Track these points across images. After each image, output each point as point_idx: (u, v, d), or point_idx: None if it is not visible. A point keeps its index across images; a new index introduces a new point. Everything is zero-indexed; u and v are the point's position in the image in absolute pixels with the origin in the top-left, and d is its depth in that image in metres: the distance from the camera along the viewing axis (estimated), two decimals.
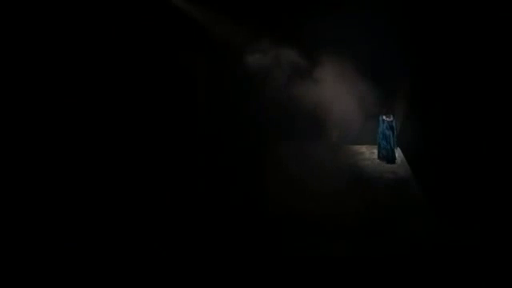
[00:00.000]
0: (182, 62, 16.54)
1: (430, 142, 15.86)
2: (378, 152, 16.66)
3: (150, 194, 14.28)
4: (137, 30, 15.99)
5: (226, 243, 12.92)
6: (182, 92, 16.52)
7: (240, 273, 12.25)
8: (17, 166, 14.15)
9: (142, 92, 16.21)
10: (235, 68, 16.28)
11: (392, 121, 16.57)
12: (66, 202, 13.76)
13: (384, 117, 16.57)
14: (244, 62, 16.29)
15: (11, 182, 13.76)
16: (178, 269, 12.36)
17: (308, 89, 16.60)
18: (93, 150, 14.95)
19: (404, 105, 16.89)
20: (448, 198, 14.42)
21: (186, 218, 13.69)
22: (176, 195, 14.31)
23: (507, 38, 15.35)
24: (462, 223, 13.70)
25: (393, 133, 16.54)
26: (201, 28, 16.33)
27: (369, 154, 16.78)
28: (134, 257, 12.56)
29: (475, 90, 15.75)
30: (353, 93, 16.89)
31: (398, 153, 16.80)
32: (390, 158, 16.53)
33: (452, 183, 14.89)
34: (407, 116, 16.80)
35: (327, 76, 16.58)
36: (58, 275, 12.05)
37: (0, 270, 12.08)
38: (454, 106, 15.89)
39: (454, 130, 15.77)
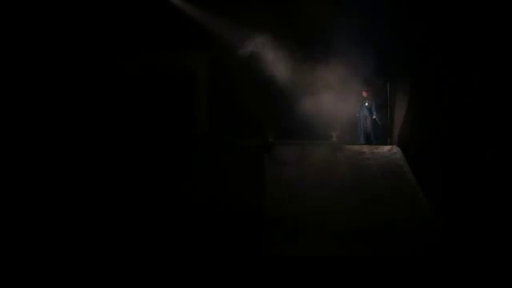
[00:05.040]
0: (181, 61, 16.58)
1: (431, 141, 15.85)
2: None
3: (148, 193, 14.30)
4: (137, 30, 16.03)
5: (225, 243, 12.92)
6: (181, 91, 16.54)
7: (238, 273, 12.25)
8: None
9: (141, 91, 16.26)
10: (235, 68, 16.29)
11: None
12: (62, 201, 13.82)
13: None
14: (243, 61, 16.30)
15: None
16: (176, 268, 12.37)
17: (308, 89, 16.61)
18: (89, 151, 14.98)
19: (403, 103, 16.91)
20: (448, 197, 14.42)
21: (183, 218, 13.69)
22: (173, 194, 14.32)
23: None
24: (463, 223, 13.70)
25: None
26: (201, 28, 16.35)
27: (369, 153, 16.76)
28: (131, 255, 12.61)
29: (475, 89, 15.76)
30: (353, 93, 16.95)
31: (399, 153, 16.78)
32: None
33: (452, 183, 14.88)
34: (407, 114, 16.80)
35: (327, 76, 16.58)
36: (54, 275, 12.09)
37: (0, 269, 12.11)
38: (454, 105, 15.90)
39: (454, 129, 15.77)
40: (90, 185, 14.22)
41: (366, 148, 16.84)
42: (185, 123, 16.38)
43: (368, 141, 17.15)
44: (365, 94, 17.13)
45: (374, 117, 17.10)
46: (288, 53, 16.56)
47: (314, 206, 14.01)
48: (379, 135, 17.24)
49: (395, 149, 16.70)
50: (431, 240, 13.24)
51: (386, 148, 16.84)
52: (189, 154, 15.58)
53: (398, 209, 14.26)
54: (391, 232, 13.42)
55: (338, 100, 16.78)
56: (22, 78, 15.09)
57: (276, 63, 16.61)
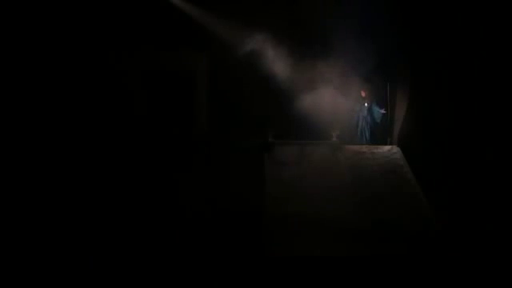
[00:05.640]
0: (181, 60, 16.58)
1: (431, 141, 15.85)
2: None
3: (148, 193, 14.30)
4: (136, 29, 16.03)
5: (225, 243, 12.92)
6: (181, 91, 16.55)
7: (238, 273, 12.25)
8: None
9: (140, 91, 16.26)
10: (235, 67, 16.29)
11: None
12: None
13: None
14: (243, 61, 16.29)
15: None
16: (176, 268, 12.37)
17: (308, 88, 16.61)
18: (88, 151, 15.00)
19: (403, 103, 16.91)
20: (448, 197, 14.42)
21: (183, 218, 13.70)
22: (173, 194, 14.32)
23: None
24: (462, 223, 13.71)
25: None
26: (200, 27, 16.35)
27: (369, 153, 16.76)
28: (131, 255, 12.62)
29: (475, 89, 15.77)
30: (352, 92, 16.95)
31: (399, 153, 16.77)
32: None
33: (452, 183, 14.88)
34: (407, 114, 16.80)
35: (327, 75, 16.58)
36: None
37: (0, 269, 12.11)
38: (454, 104, 15.90)
39: (454, 129, 15.77)
40: (89, 185, 14.22)
41: (365, 148, 16.82)
42: (185, 123, 16.38)
43: (367, 141, 17.16)
44: (363, 94, 17.14)
45: (383, 111, 17.10)
46: (288, 52, 16.55)
47: (314, 206, 14.00)
48: (377, 134, 17.24)
49: (395, 149, 16.68)
50: (431, 240, 13.23)
51: (386, 148, 16.82)
52: (189, 154, 15.58)
53: (397, 209, 14.25)
54: (391, 232, 13.41)
55: (338, 100, 16.78)
56: (20, 77, 15.11)
57: (276, 62, 16.59)
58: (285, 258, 12.57)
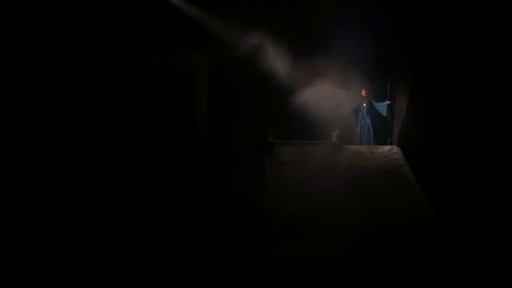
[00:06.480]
0: (181, 61, 16.60)
1: (430, 141, 15.86)
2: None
3: (148, 193, 14.32)
4: (136, 30, 16.05)
5: (225, 244, 12.94)
6: (181, 91, 16.56)
7: (238, 273, 12.26)
8: None
9: (141, 91, 16.29)
10: (235, 68, 16.30)
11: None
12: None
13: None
14: (243, 61, 16.30)
15: None
16: (176, 268, 12.39)
17: (308, 88, 16.62)
18: (88, 151, 15.03)
19: (403, 103, 16.92)
20: (448, 197, 14.43)
21: (183, 218, 13.71)
22: (174, 194, 14.34)
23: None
24: (462, 223, 13.72)
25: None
26: (200, 27, 16.37)
27: (369, 153, 16.77)
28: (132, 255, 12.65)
29: (475, 89, 15.78)
30: (352, 92, 16.96)
31: (399, 153, 16.78)
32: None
33: (452, 183, 14.89)
34: (407, 114, 16.81)
35: (328, 76, 16.59)
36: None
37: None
38: (454, 104, 15.91)
39: (454, 129, 15.78)
40: (89, 185, 14.24)
41: (365, 148, 16.84)
42: (185, 123, 16.40)
43: (367, 140, 17.17)
44: (364, 93, 17.15)
45: (387, 102, 17.14)
46: (288, 52, 16.56)
47: (314, 206, 14.01)
48: (377, 133, 17.25)
49: (395, 149, 16.70)
50: (431, 240, 13.24)
51: (386, 148, 16.85)
52: (189, 154, 15.59)
53: (397, 209, 14.26)
54: (391, 232, 13.42)
55: (338, 100, 16.79)
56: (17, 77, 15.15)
57: (276, 62, 16.61)
58: (285, 258, 12.57)
